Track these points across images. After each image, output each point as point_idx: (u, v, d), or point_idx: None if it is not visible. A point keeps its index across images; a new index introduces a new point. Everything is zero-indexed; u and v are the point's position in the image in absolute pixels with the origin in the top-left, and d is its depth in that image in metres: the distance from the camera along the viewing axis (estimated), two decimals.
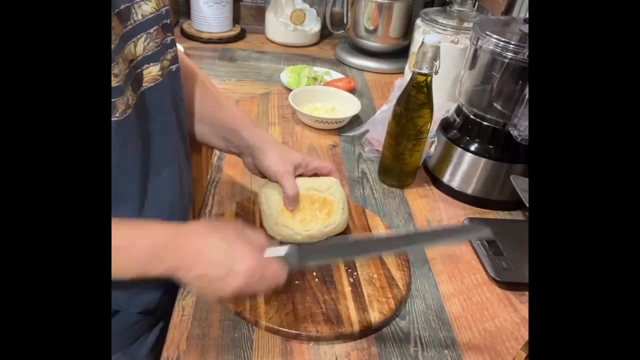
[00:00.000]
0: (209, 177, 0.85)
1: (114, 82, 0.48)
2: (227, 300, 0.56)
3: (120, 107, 0.50)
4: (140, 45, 0.54)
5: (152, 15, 0.54)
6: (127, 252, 0.47)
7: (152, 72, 0.56)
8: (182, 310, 0.59)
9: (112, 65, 0.48)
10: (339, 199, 0.68)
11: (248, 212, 0.74)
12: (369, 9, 1.31)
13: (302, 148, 0.96)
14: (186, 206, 0.69)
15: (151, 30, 0.55)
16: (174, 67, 0.61)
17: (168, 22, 0.58)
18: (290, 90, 1.10)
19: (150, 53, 0.55)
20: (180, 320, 0.58)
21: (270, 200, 0.65)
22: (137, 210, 0.58)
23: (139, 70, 0.54)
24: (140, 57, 0.54)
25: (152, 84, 0.56)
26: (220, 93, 0.75)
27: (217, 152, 0.92)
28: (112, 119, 0.49)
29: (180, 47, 0.89)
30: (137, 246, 0.48)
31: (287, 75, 1.22)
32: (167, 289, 0.66)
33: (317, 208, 0.65)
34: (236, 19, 1.56)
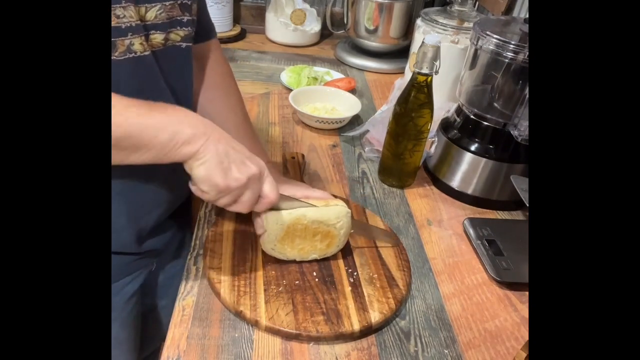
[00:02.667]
0: None
1: (114, 22, 0.51)
2: (220, 187, 0.54)
3: (120, 48, 0.53)
4: (153, 13, 0.57)
5: None
6: (159, 114, 0.51)
7: (156, 38, 0.59)
8: (182, 310, 0.59)
9: (116, 6, 0.51)
10: (344, 233, 0.65)
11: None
12: (369, 9, 1.31)
13: (302, 148, 0.96)
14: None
15: (166, 3, 0.58)
16: (183, 45, 0.63)
17: (188, 3, 0.62)
18: (290, 90, 1.10)
19: (159, 22, 0.58)
20: (180, 320, 0.58)
21: (272, 226, 0.62)
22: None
23: (147, 32, 0.57)
24: (149, 23, 0.57)
25: (153, 50, 0.59)
26: (242, 108, 0.79)
27: None
28: (131, 56, 0.53)
29: None
30: (166, 110, 0.52)
31: (287, 75, 1.22)
32: (148, 231, 0.69)
33: (319, 240, 0.64)
34: (236, 19, 1.56)
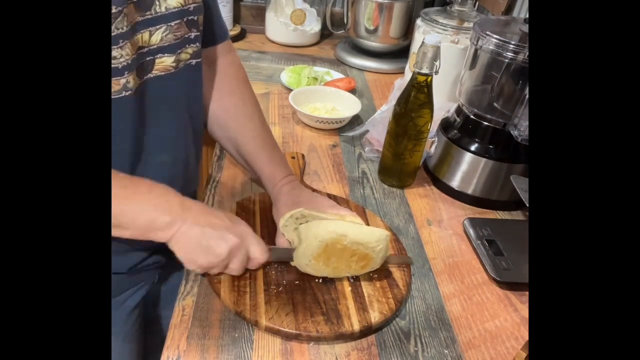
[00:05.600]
0: (208, 177, 0.85)
1: (112, 63, 0.51)
2: (204, 265, 0.58)
3: (115, 87, 0.52)
4: (158, 35, 0.56)
5: (176, 9, 0.57)
6: (140, 197, 0.53)
7: (165, 62, 0.58)
8: (182, 310, 0.59)
9: (113, 47, 0.50)
10: (381, 257, 0.62)
11: (248, 212, 0.74)
12: (369, 9, 1.31)
13: (302, 148, 0.96)
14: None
15: (172, 24, 0.57)
16: (194, 62, 0.62)
17: (195, 18, 0.60)
18: (290, 90, 1.10)
19: (166, 44, 0.57)
20: (180, 320, 0.58)
21: (310, 241, 0.60)
22: None
23: (150, 58, 0.56)
24: (155, 47, 0.56)
25: (162, 73, 0.58)
26: (260, 115, 0.76)
27: (217, 152, 0.92)
28: (127, 94, 0.52)
29: None
30: (149, 193, 0.54)
31: (287, 75, 1.22)
32: (151, 252, 0.69)
33: (355, 261, 0.62)
34: (236, 19, 1.56)
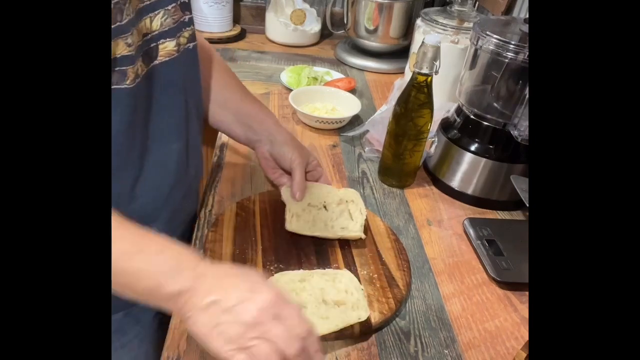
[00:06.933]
0: (209, 177, 0.85)
1: (126, 52, 0.50)
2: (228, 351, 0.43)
3: (131, 76, 0.52)
4: (158, 21, 0.56)
5: None
6: (148, 257, 0.44)
7: (167, 47, 0.58)
8: None
9: (126, 35, 0.50)
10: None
11: (248, 212, 0.74)
12: (369, 9, 1.31)
13: None
14: (189, 182, 0.70)
15: (169, 7, 0.57)
16: (191, 45, 0.63)
17: (187, 1, 0.60)
18: (290, 90, 1.10)
19: (167, 29, 0.57)
20: (180, 320, 0.58)
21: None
22: (135, 177, 0.59)
23: (154, 44, 0.56)
24: (156, 32, 0.56)
25: (166, 59, 0.58)
26: (241, 82, 0.80)
27: (217, 152, 0.92)
28: (124, 86, 0.51)
29: None
30: (159, 255, 0.45)
31: (287, 75, 1.22)
32: None
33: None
34: (236, 19, 1.56)
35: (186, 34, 0.61)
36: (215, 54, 0.78)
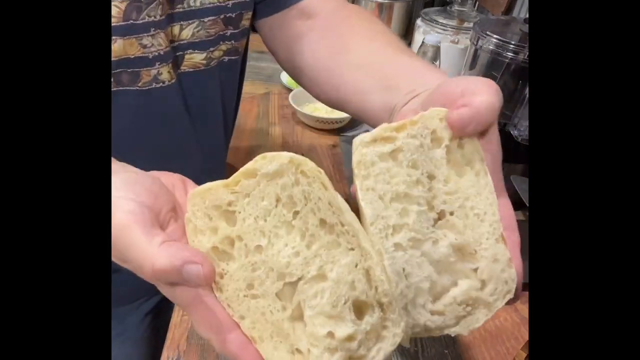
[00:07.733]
0: None
1: (140, 53, 0.49)
2: None
3: (146, 78, 0.50)
4: (190, 31, 0.53)
5: (212, 5, 0.53)
6: None
7: (194, 58, 0.55)
8: (182, 311, 0.59)
9: (142, 35, 0.48)
10: None
11: None
12: (369, 8, 1.31)
13: (302, 148, 0.96)
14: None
15: (206, 20, 0.53)
16: (227, 59, 0.59)
17: (233, 15, 0.56)
18: (290, 90, 1.10)
19: (197, 40, 0.54)
20: (180, 320, 0.58)
21: None
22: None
23: (180, 53, 0.54)
24: (185, 42, 0.53)
25: (191, 70, 0.56)
26: (394, 36, 0.55)
27: None
28: (134, 88, 0.50)
29: None
30: None
31: (287, 75, 1.22)
32: None
33: None
34: None
35: (224, 47, 0.58)
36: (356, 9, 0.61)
